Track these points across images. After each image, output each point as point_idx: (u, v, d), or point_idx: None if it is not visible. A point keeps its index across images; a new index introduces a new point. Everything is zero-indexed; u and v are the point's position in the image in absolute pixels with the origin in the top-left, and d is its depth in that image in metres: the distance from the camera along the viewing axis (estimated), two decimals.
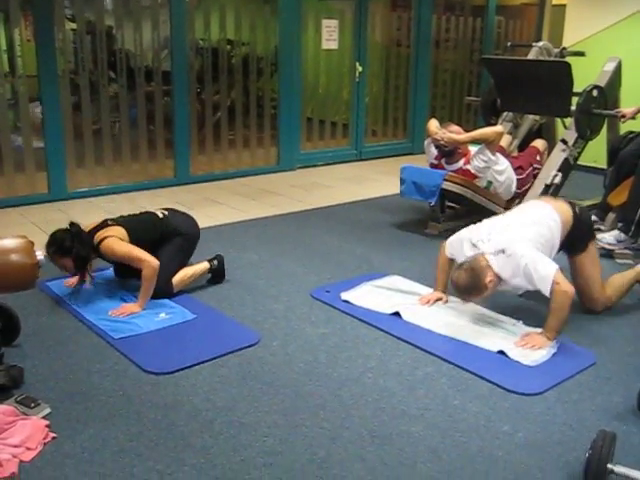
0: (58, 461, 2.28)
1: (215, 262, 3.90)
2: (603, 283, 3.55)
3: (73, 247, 3.42)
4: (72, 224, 3.52)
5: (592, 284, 3.48)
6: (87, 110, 5.90)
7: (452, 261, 3.55)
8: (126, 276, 3.75)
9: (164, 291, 3.61)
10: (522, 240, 3.21)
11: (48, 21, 5.43)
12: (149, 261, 3.43)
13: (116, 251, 3.46)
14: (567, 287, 3.10)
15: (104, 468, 2.25)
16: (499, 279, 3.20)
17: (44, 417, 2.51)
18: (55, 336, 3.22)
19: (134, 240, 3.54)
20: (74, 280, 3.73)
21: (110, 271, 3.95)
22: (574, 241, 3.41)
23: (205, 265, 3.86)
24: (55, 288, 3.75)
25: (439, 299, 3.63)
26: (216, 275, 3.93)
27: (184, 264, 3.80)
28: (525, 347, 3.12)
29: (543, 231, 3.30)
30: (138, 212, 3.89)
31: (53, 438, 2.40)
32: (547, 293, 3.10)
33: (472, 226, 3.49)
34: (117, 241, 3.47)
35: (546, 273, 3.08)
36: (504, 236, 3.24)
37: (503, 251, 3.18)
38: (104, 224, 3.58)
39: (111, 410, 2.60)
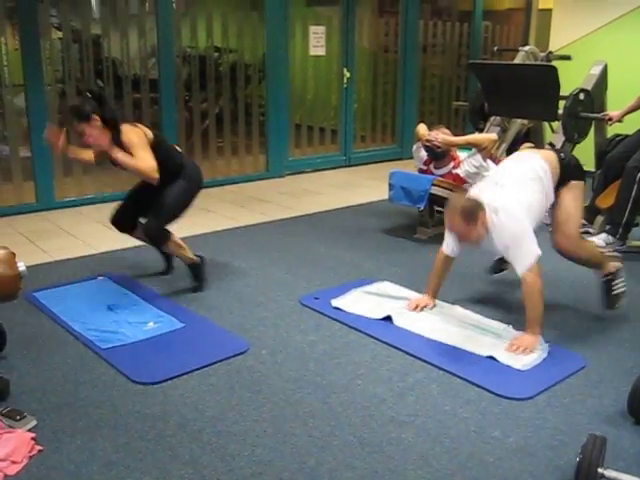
0: (44, 474, 2.25)
1: (199, 259, 3.89)
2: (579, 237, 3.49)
3: (101, 97, 3.46)
4: (91, 91, 3.56)
5: (568, 218, 3.38)
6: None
7: (448, 262, 3.55)
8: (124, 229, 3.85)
9: (157, 236, 3.68)
10: (516, 206, 3.19)
11: (34, 30, 5.41)
12: (149, 165, 3.43)
13: (133, 140, 3.45)
14: (537, 279, 3.10)
15: None
16: (487, 230, 3.19)
17: (30, 429, 2.47)
18: (41, 347, 3.19)
19: (156, 145, 3.55)
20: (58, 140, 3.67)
21: (98, 280, 3.93)
22: (561, 181, 3.39)
23: (192, 255, 3.87)
24: (41, 298, 3.71)
25: (427, 305, 3.62)
26: (195, 276, 3.88)
27: (185, 211, 3.80)
28: (517, 352, 3.10)
29: (536, 186, 3.29)
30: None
31: (39, 451, 2.37)
32: (519, 273, 3.12)
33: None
34: (139, 133, 3.49)
35: (526, 256, 3.10)
36: (499, 196, 3.22)
37: (496, 213, 3.17)
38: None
39: (98, 421, 2.57)
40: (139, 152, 3.44)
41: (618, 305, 3.42)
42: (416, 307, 3.60)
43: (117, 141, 3.47)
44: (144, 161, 3.44)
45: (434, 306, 3.63)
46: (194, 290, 3.88)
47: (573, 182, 3.40)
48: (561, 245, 3.44)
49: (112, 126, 3.47)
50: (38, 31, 5.45)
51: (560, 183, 3.38)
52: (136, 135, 3.48)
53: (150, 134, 3.57)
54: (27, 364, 3.01)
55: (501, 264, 3.88)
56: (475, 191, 3.36)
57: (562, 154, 3.47)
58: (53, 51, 5.93)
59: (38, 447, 2.38)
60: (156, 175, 3.46)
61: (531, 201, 3.25)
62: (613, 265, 3.54)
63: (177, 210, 3.73)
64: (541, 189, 3.30)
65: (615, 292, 3.47)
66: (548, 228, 3.49)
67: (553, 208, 3.41)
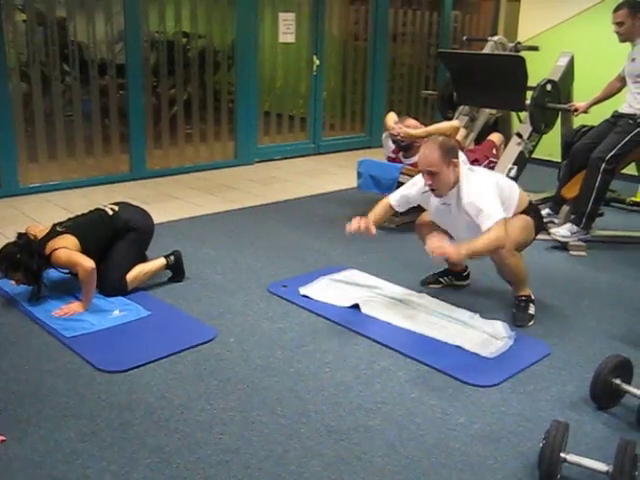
0: (6, 465, 2.22)
1: (172, 258, 3.83)
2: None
3: (22, 261, 3.36)
4: (20, 236, 3.45)
5: (512, 231, 3.25)
6: (39, 103, 5.76)
7: (388, 213, 3.61)
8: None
9: (117, 289, 3.56)
10: (489, 176, 3.28)
11: None
12: (82, 264, 3.32)
13: (62, 261, 3.38)
14: (504, 234, 3.08)
15: (56, 471, 2.20)
16: (455, 179, 3.22)
17: None
18: (5, 335, 3.14)
19: (85, 245, 3.47)
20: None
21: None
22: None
23: (161, 261, 3.80)
24: (4, 286, 3.65)
25: (366, 226, 3.38)
26: (175, 272, 3.86)
27: (138, 260, 3.74)
28: (430, 245, 2.97)
29: (505, 187, 3.35)
30: (87, 211, 3.79)
31: (2, 441, 2.33)
32: (484, 228, 3.09)
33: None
34: (62, 251, 3.38)
35: (493, 212, 3.11)
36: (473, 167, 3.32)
37: (471, 169, 3.26)
38: (54, 232, 3.50)
39: (63, 410, 2.54)
40: (70, 261, 3.37)
41: (529, 324, 3.38)
42: (356, 227, 3.39)
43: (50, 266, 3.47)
44: (80, 270, 3.34)
45: (369, 229, 3.41)
46: (174, 281, 3.84)
47: (531, 216, 3.44)
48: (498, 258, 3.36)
49: (33, 274, 3.43)
50: (1, 13, 5.32)
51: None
52: (62, 254, 3.37)
53: (74, 241, 3.45)
54: None
55: (436, 278, 3.88)
56: None
57: (533, 202, 3.56)
58: (17, 34, 5.81)
59: (1, 437, 2.35)
60: (89, 265, 3.32)
61: (500, 184, 3.31)
62: (529, 291, 3.49)
63: (128, 263, 3.64)
64: (507, 196, 3.33)
65: (530, 312, 3.44)
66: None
67: None
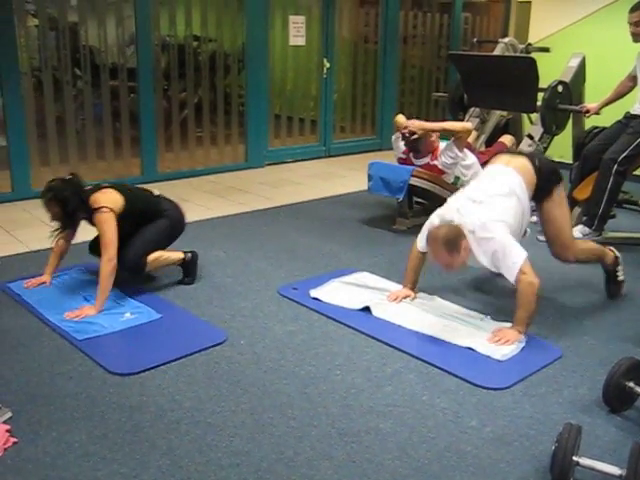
0: (19, 466, 2.23)
1: (189, 255, 3.85)
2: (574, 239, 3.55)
3: (69, 200, 3.41)
4: (73, 175, 3.54)
5: (561, 229, 3.44)
6: (51, 108, 5.80)
7: (423, 257, 3.54)
8: (96, 254, 3.67)
9: (137, 265, 3.57)
10: (492, 221, 3.18)
11: (9, 17, 5.32)
12: (112, 255, 3.36)
13: (101, 223, 3.42)
14: (533, 278, 3.10)
15: (67, 472, 2.21)
16: (469, 253, 3.19)
17: (5, 422, 2.45)
18: (17, 338, 3.15)
19: (127, 209, 3.50)
20: (34, 282, 3.68)
21: (74, 271, 3.90)
22: (539, 190, 3.39)
23: (179, 255, 3.81)
24: (16, 289, 3.67)
25: (407, 296, 3.63)
26: (187, 271, 3.86)
27: (162, 247, 3.74)
28: (498, 343, 3.11)
29: (512, 203, 3.28)
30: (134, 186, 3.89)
31: (14, 443, 2.34)
32: (512, 280, 3.11)
33: (438, 210, 3.46)
34: (109, 216, 3.42)
35: (513, 261, 3.09)
36: (473, 214, 3.20)
37: (473, 232, 3.16)
38: (102, 187, 3.57)
39: (74, 413, 2.55)
40: (106, 237, 3.42)
41: (621, 292, 3.56)
42: (396, 298, 3.60)
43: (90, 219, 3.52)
44: (105, 259, 3.39)
45: (415, 297, 3.63)
46: (184, 283, 3.84)
47: (554, 190, 3.40)
48: (560, 257, 3.55)
49: (71, 217, 3.52)
50: (13, 18, 5.37)
51: (540, 193, 3.39)
52: (109, 220, 3.42)
53: (120, 203, 3.50)
54: (2, 355, 2.98)
55: None
56: (452, 210, 3.31)
57: (536, 160, 3.43)
58: (29, 39, 5.85)
59: (13, 439, 2.36)
60: (115, 262, 3.39)
61: (506, 217, 3.23)
62: (611, 255, 3.66)
63: (156, 243, 3.67)
64: (517, 204, 3.30)
65: (619, 278, 3.62)
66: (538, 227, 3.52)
67: (542, 222, 3.44)
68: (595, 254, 3.66)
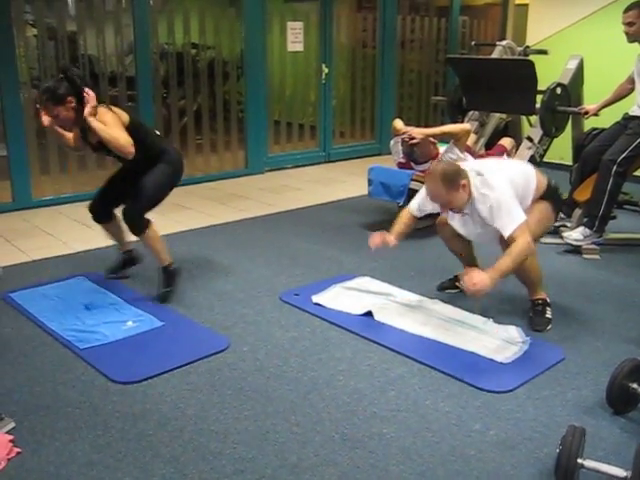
0: (23, 477, 2.23)
1: (176, 266, 3.77)
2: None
3: (67, 93, 3.33)
4: (65, 70, 3.42)
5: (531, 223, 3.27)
6: None
7: (413, 219, 3.52)
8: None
9: (138, 223, 3.56)
10: (502, 175, 3.18)
11: (8, 27, 5.33)
12: (124, 137, 3.32)
13: (105, 120, 3.34)
14: (528, 239, 3.04)
15: None
16: (469, 195, 3.16)
17: (8, 432, 2.45)
18: (19, 348, 3.15)
19: (133, 127, 3.45)
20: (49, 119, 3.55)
21: (75, 280, 3.90)
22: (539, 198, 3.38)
23: (169, 257, 3.72)
24: (18, 299, 3.67)
25: (386, 240, 3.42)
26: (167, 277, 3.71)
27: (165, 195, 3.71)
28: (467, 284, 2.94)
29: (520, 180, 3.27)
30: None
31: (18, 453, 2.34)
32: (506, 234, 3.05)
33: None
34: (113, 116, 3.37)
35: (514, 217, 3.06)
36: (484, 164, 3.21)
37: (481, 174, 3.15)
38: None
39: (78, 422, 2.55)
40: (114, 130, 3.34)
41: (547, 329, 3.36)
42: (373, 240, 3.44)
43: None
44: (119, 134, 3.33)
45: (395, 244, 3.45)
46: (161, 299, 3.67)
47: (548, 201, 3.39)
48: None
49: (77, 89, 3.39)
50: (12, 28, 5.38)
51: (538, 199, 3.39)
52: (110, 117, 3.37)
53: (126, 117, 3.46)
54: (4, 365, 2.98)
55: (452, 283, 3.85)
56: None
57: (552, 182, 3.44)
58: (28, 48, 5.86)
59: (16, 449, 2.35)
60: (131, 149, 3.33)
61: (515, 178, 3.23)
62: (545, 294, 3.47)
63: (158, 193, 3.63)
64: (524, 187, 3.27)
65: (547, 316, 3.41)
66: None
67: None
68: (536, 278, 3.40)
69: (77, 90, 3.36)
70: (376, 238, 3.44)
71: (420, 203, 3.49)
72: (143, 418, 2.58)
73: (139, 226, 3.58)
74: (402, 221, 3.54)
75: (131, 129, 3.43)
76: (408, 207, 3.56)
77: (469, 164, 3.22)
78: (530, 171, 3.39)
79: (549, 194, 3.40)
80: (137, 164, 3.52)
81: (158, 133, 3.86)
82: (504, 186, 3.16)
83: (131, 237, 3.84)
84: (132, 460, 2.32)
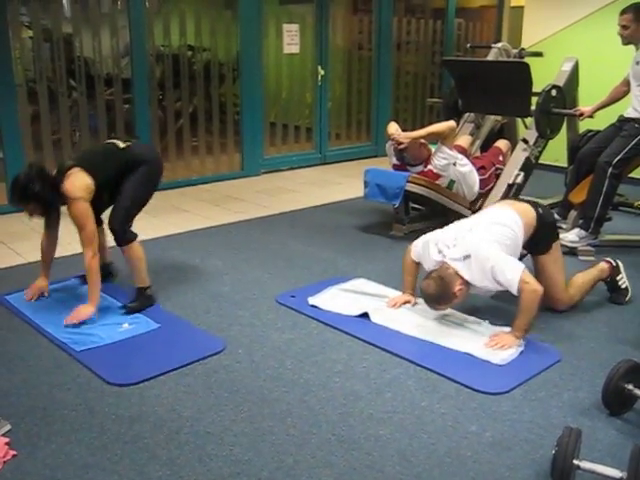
0: (18, 479, 2.22)
1: (151, 292, 3.69)
2: (566, 283, 3.56)
3: (38, 191, 3.28)
4: (31, 165, 3.38)
5: (554, 284, 3.47)
6: (46, 119, 5.80)
7: (418, 264, 3.55)
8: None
9: (121, 236, 3.51)
10: (487, 242, 3.22)
11: (3, 28, 5.33)
12: (95, 249, 3.34)
13: (79, 219, 3.33)
14: (536, 286, 3.11)
15: None
16: (468, 285, 3.22)
17: (4, 434, 2.44)
18: (15, 350, 3.15)
19: (96, 176, 3.38)
20: (34, 291, 3.65)
21: (70, 282, 3.89)
22: (537, 242, 3.43)
23: (147, 280, 3.66)
24: (13, 301, 3.66)
25: (407, 302, 3.63)
26: (139, 298, 3.64)
27: (149, 198, 3.68)
28: (495, 347, 3.12)
29: (506, 232, 3.30)
30: (100, 145, 3.74)
31: (13, 456, 2.33)
32: (515, 291, 3.12)
33: (438, 230, 3.49)
34: (85, 208, 3.34)
35: (513, 274, 3.10)
36: (468, 240, 3.24)
37: (469, 256, 3.19)
38: (67, 167, 3.39)
39: (73, 424, 2.54)
40: (80, 222, 3.36)
41: (628, 298, 3.63)
42: (395, 304, 3.60)
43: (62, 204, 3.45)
44: (84, 244, 3.36)
45: (415, 303, 3.62)
46: (126, 310, 3.55)
47: (553, 245, 3.45)
48: (555, 308, 3.56)
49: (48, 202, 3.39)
50: (8, 30, 5.38)
51: (540, 246, 3.44)
52: (80, 213, 3.34)
53: (90, 184, 3.37)
54: (0, 368, 2.97)
55: None
56: (448, 241, 3.33)
57: (539, 208, 3.46)
58: (24, 50, 5.86)
59: (12, 452, 2.35)
60: (94, 249, 3.36)
61: (500, 239, 3.25)
62: (606, 268, 3.70)
63: (137, 200, 3.59)
64: (512, 235, 3.30)
65: (622, 286, 3.67)
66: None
67: (535, 274, 3.35)
68: (589, 285, 3.66)
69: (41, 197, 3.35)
70: (396, 301, 3.62)
71: (418, 251, 3.50)
72: (139, 420, 2.57)
73: (122, 235, 3.53)
74: (411, 274, 3.63)
75: (100, 184, 3.41)
76: (410, 256, 3.56)
77: (453, 253, 3.23)
78: (513, 220, 3.34)
79: (542, 225, 3.41)
80: (115, 185, 3.52)
81: (127, 143, 3.65)
82: (491, 252, 3.17)
83: (110, 249, 3.85)
84: (128, 462, 2.32)
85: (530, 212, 3.41)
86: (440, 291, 3.19)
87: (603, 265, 3.74)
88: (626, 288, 3.76)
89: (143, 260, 3.63)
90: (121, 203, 3.51)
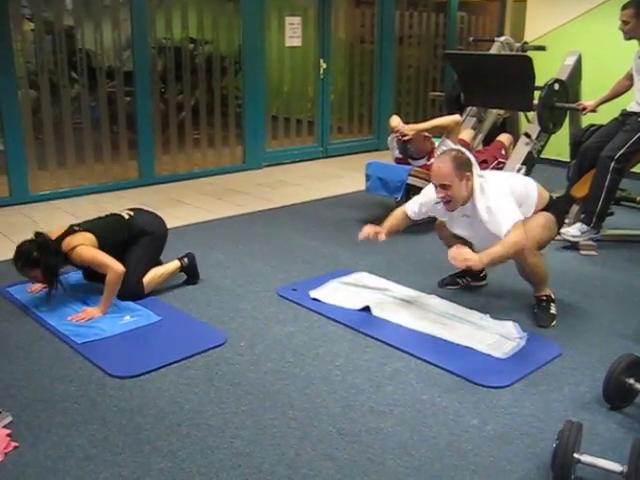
0: (20, 471, 2.23)
1: (185, 260, 3.86)
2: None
3: (41, 258, 3.34)
4: (37, 234, 3.43)
5: (536, 226, 3.29)
6: (48, 111, 5.80)
7: (406, 220, 3.53)
8: (94, 280, 3.67)
9: (135, 292, 3.58)
10: (501, 179, 3.25)
11: (5, 21, 5.31)
12: (113, 267, 3.37)
13: (84, 257, 3.39)
14: (522, 236, 3.07)
15: (68, 476, 2.21)
16: (468, 193, 3.20)
17: (5, 426, 2.44)
18: (17, 342, 3.15)
19: (103, 245, 3.47)
20: (38, 286, 3.65)
21: (73, 275, 3.89)
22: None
23: (176, 264, 3.82)
24: (16, 293, 3.67)
25: (377, 232, 3.42)
26: (189, 274, 3.88)
27: (154, 263, 3.75)
28: (456, 254, 2.99)
29: (520, 189, 3.31)
30: (104, 215, 3.81)
31: (15, 447, 2.34)
32: (503, 233, 3.06)
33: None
34: (85, 248, 3.39)
35: (509, 216, 3.09)
36: (486, 172, 3.28)
37: (482, 176, 3.22)
38: (71, 230, 3.50)
39: (75, 416, 2.55)
40: (97, 261, 3.40)
41: (552, 324, 3.38)
42: (365, 233, 3.43)
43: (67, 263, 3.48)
44: (109, 272, 3.38)
45: (384, 238, 3.43)
46: (189, 284, 3.87)
47: (551, 212, 3.41)
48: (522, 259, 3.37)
49: (52, 271, 3.41)
50: (9, 22, 5.36)
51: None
52: (84, 251, 3.38)
53: (91, 237, 3.45)
54: (1, 359, 2.98)
55: (454, 279, 3.87)
56: None
57: (555, 196, 3.49)
58: (25, 43, 5.85)
59: (14, 443, 2.35)
60: (120, 269, 3.40)
61: (514, 188, 3.27)
62: (550, 291, 3.49)
63: (144, 267, 3.65)
64: (522, 192, 3.30)
65: (552, 312, 3.43)
66: None
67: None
68: (542, 276, 3.42)
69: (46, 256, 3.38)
70: (367, 230, 3.44)
71: (419, 205, 3.49)
72: (140, 412, 2.58)
73: (138, 295, 3.60)
74: (395, 218, 3.55)
75: (102, 247, 3.47)
76: (405, 207, 3.56)
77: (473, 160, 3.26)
78: (531, 184, 3.42)
79: (553, 206, 3.43)
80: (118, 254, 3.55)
81: (127, 214, 3.74)
82: (503, 191, 3.20)
83: None
84: (129, 454, 2.32)
85: (546, 193, 3.44)
86: (460, 156, 3.19)
87: (548, 289, 3.51)
88: (553, 315, 3.44)
89: (158, 273, 3.74)
90: (128, 270, 3.50)
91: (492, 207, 3.14)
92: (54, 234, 3.49)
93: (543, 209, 3.38)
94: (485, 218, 3.17)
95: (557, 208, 3.49)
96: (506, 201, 3.16)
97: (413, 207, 3.51)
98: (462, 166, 3.17)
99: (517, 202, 3.22)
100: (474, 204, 3.21)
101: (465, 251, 3.02)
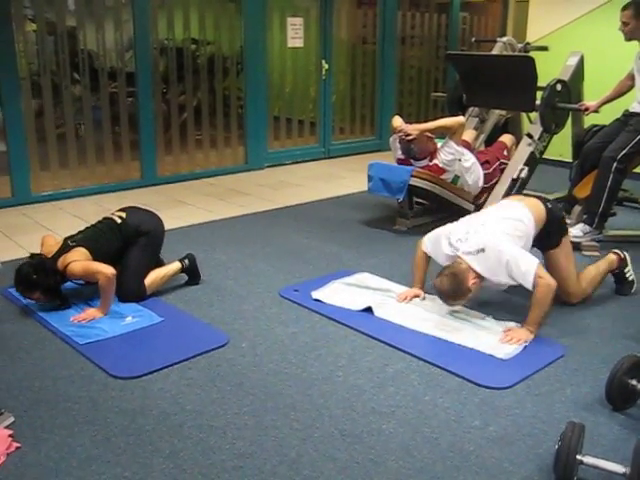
0: (22, 472, 2.23)
1: (186, 261, 3.86)
2: (578, 276, 3.56)
3: (39, 281, 3.36)
4: (33, 255, 3.47)
5: (567, 278, 3.47)
6: (51, 112, 5.80)
7: (429, 258, 3.55)
8: (94, 284, 3.66)
9: (136, 295, 3.58)
10: (501, 235, 3.22)
11: (7, 22, 5.32)
12: (102, 271, 3.35)
13: (76, 273, 3.39)
14: (550, 280, 3.11)
15: (70, 477, 2.21)
16: (482, 279, 3.22)
17: (7, 427, 2.45)
18: (18, 343, 3.15)
19: (96, 256, 3.48)
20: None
21: None
22: (547, 237, 3.42)
23: (177, 265, 3.82)
24: (17, 294, 3.66)
25: (416, 296, 3.63)
26: (190, 275, 3.89)
27: (153, 263, 3.76)
28: (511, 342, 3.11)
29: (519, 226, 3.30)
30: (95, 222, 3.77)
31: (17, 448, 2.34)
32: (530, 287, 3.11)
33: (449, 224, 3.48)
34: (75, 264, 3.39)
35: (527, 268, 3.09)
36: (481, 234, 3.24)
37: (483, 250, 3.19)
38: (65, 246, 3.50)
39: (77, 417, 2.55)
40: (88, 271, 3.40)
41: (633, 290, 3.71)
42: (405, 298, 3.61)
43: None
44: (100, 278, 3.37)
45: (424, 297, 3.62)
46: (191, 284, 3.88)
47: (563, 240, 3.46)
48: (569, 302, 3.58)
49: (52, 291, 3.45)
50: (11, 23, 5.37)
51: (550, 240, 3.43)
52: (75, 267, 3.38)
53: (85, 252, 3.46)
54: (4, 360, 2.98)
55: None
56: (460, 234, 3.33)
57: (548, 203, 3.46)
58: (27, 44, 5.85)
59: (16, 444, 2.35)
60: (109, 272, 3.37)
61: (512, 233, 3.26)
62: (614, 260, 3.71)
63: (144, 268, 3.66)
64: (523, 228, 3.30)
65: (629, 278, 3.72)
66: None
67: (548, 270, 3.32)
68: (600, 277, 3.68)
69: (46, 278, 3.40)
70: (406, 295, 3.63)
71: (431, 245, 3.51)
72: (142, 413, 2.58)
73: (140, 297, 3.61)
74: (421, 268, 3.64)
75: (98, 257, 3.48)
76: (421, 248, 3.57)
77: (466, 247, 3.23)
78: (524, 215, 3.35)
79: (550, 218, 3.41)
80: (116, 257, 3.59)
81: (121, 216, 3.72)
82: (505, 246, 3.18)
83: None
84: (131, 455, 2.32)
85: (540, 207, 3.40)
86: (454, 287, 3.18)
87: (612, 257, 3.75)
88: (632, 280, 3.79)
89: (159, 275, 3.74)
90: (127, 271, 3.55)
91: (507, 272, 3.14)
92: (53, 246, 3.52)
93: (544, 226, 3.38)
94: (505, 282, 3.24)
95: (556, 218, 3.46)
96: (513, 257, 3.13)
97: (429, 246, 3.52)
98: (461, 290, 3.20)
99: (521, 243, 3.26)
100: (490, 281, 3.26)
101: (516, 335, 3.15)
